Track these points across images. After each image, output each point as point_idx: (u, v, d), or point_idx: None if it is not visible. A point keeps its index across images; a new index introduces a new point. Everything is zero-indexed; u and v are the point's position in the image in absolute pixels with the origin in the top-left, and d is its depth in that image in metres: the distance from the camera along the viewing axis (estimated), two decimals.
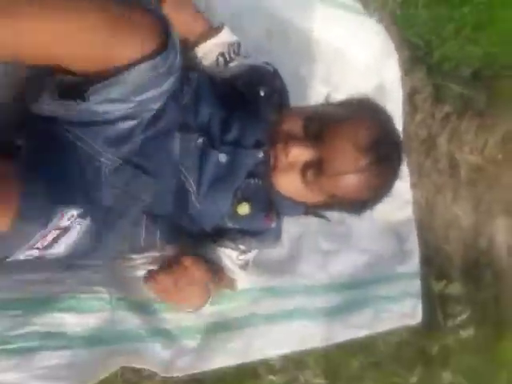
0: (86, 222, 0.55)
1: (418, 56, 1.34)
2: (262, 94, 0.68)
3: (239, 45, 0.75)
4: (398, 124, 1.12)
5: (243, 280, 0.78)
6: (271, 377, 0.86)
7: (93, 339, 0.63)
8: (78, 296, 0.62)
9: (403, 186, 1.10)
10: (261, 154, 0.68)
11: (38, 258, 0.55)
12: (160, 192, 0.64)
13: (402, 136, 1.08)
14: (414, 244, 1.09)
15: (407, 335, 1.14)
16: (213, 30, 0.74)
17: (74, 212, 0.53)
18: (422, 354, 1.17)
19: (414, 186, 1.23)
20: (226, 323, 0.79)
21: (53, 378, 0.58)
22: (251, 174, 0.68)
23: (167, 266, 0.64)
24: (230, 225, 0.72)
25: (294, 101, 0.79)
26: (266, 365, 0.86)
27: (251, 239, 0.74)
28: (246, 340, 0.79)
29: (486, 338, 1.35)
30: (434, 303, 1.15)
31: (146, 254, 0.71)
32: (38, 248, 0.53)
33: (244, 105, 0.68)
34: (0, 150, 0.54)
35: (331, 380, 1.01)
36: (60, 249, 0.54)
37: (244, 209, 0.69)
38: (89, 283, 0.64)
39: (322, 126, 0.66)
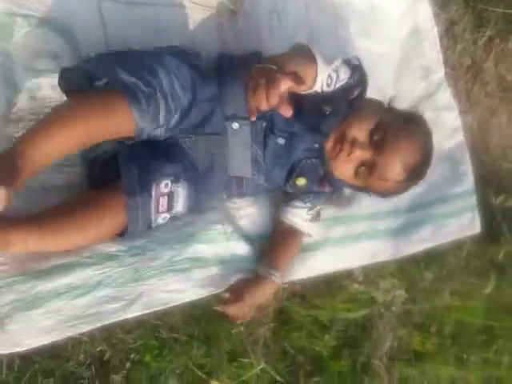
0: (183, 184, 0.93)
1: None
2: (327, 112, 0.98)
3: (334, 71, 0.94)
4: (438, 59, 1.43)
5: (316, 229, 1.15)
6: (356, 285, 1.24)
7: (222, 260, 1.05)
8: (207, 232, 1.05)
9: (451, 115, 1.40)
10: (317, 145, 1.02)
11: (171, 218, 0.94)
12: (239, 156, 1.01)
13: (444, 71, 1.41)
14: (467, 166, 1.39)
15: (475, 248, 1.46)
16: (312, 80, 0.88)
17: (167, 181, 0.90)
18: (492, 264, 1.49)
19: (464, 113, 1.53)
20: (304, 247, 1.15)
21: (203, 286, 1.01)
22: (309, 156, 1.02)
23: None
24: (290, 190, 1.08)
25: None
26: (351, 277, 1.26)
27: (313, 199, 1.10)
28: (322, 258, 1.16)
29: None
30: (496, 217, 1.47)
31: (243, 199, 1.12)
32: (164, 211, 0.91)
33: (308, 115, 0.98)
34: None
35: (409, 291, 1.39)
36: (179, 207, 0.94)
37: (301, 181, 1.05)
38: (209, 222, 1.06)
39: (385, 137, 0.97)
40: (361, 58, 1.04)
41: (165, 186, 0.90)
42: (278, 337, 1.20)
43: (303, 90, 0.87)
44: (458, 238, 1.32)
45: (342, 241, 1.18)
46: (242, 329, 1.14)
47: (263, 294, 1.07)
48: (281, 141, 1.01)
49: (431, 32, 1.39)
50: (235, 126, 0.97)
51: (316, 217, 1.14)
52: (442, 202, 1.34)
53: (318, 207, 1.13)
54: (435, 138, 1.23)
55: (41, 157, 0.78)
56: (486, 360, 1.56)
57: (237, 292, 1.03)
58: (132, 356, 0.99)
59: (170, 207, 0.93)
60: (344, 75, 0.99)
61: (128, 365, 0.98)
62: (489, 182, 1.48)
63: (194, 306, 1.05)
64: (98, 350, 0.94)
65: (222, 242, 1.05)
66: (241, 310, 1.05)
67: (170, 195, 0.91)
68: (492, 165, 1.52)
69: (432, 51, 1.39)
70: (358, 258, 1.21)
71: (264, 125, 0.99)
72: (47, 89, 0.93)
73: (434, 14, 1.46)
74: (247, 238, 1.09)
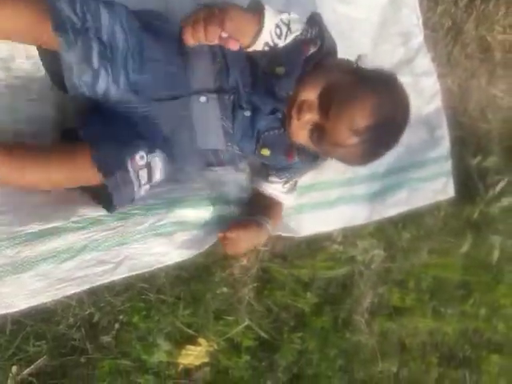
0: (158, 153, 0.91)
1: None
2: (280, 73, 0.95)
3: (282, 21, 0.92)
4: (417, 24, 1.42)
5: (293, 199, 1.17)
6: (335, 246, 1.29)
7: (205, 223, 1.08)
8: (191, 198, 1.07)
9: (430, 81, 1.41)
10: (278, 116, 0.99)
11: (151, 187, 0.94)
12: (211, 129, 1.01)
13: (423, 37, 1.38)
14: (444, 130, 1.40)
15: (452, 208, 1.50)
16: (256, 27, 0.88)
17: (142, 153, 0.88)
18: (469, 223, 1.53)
19: (443, 75, 1.53)
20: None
21: (186, 248, 1.05)
22: (272, 127, 1.01)
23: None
24: (260, 160, 1.09)
25: None
26: (330, 239, 1.30)
27: (285, 173, 1.10)
28: (297, 222, 1.20)
29: None
30: (472, 177, 1.50)
31: (223, 167, 1.14)
32: (145, 183, 0.90)
33: (265, 80, 0.96)
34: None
35: (388, 250, 1.43)
36: (157, 176, 0.92)
37: (265, 152, 1.04)
38: (192, 189, 1.09)
39: (332, 99, 0.90)
40: (324, 16, 1.00)
41: (140, 158, 0.89)
42: (262, 296, 1.25)
43: (248, 38, 0.88)
44: (431, 202, 1.36)
45: (318, 206, 1.22)
46: (225, 289, 1.19)
47: (257, 239, 1.10)
48: (247, 113, 1.00)
49: None
50: (202, 99, 0.96)
51: (293, 187, 1.15)
52: (417, 166, 1.36)
53: (292, 181, 1.14)
54: (414, 104, 1.24)
55: None
56: (464, 312, 1.63)
57: (237, 226, 1.05)
58: (120, 317, 1.03)
59: (149, 178, 0.92)
60: (297, 27, 0.95)
61: (117, 326, 1.02)
62: (467, 143, 1.51)
63: (179, 267, 1.09)
64: (86, 312, 0.98)
65: (205, 207, 1.09)
66: (236, 243, 1.06)
67: (147, 166, 0.90)
68: (470, 126, 1.54)
69: (411, 16, 1.38)
70: (335, 221, 1.24)
71: (232, 97, 0.98)
72: (21, 59, 0.92)
73: None
74: (230, 202, 1.12)
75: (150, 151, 0.90)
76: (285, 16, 0.94)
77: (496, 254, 1.54)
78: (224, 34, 0.82)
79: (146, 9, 0.96)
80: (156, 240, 1.01)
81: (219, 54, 0.95)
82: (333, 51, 1.02)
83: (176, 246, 1.04)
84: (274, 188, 1.13)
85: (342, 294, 1.39)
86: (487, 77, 1.63)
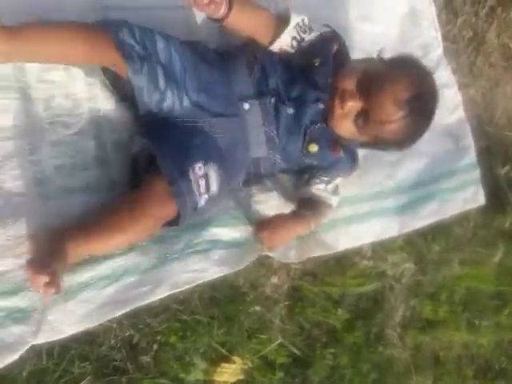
0: (212, 165, 0.97)
1: None
2: (316, 64, 1.04)
3: (304, 21, 1.05)
4: (436, 37, 1.43)
5: (337, 202, 1.19)
6: (365, 261, 1.30)
7: (236, 243, 1.11)
8: (224, 217, 1.10)
9: (451, 92, 1.41)
10: (321, 106, 1.05)
11: (210, 198, 0.96)
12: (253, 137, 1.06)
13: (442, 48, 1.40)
14: (469, 140, 1.41)
15: (481, 218, 1.49)
16: (282, 24, 1.03)
17: (199, 164, 0.95)
18: (500, 232, 1.52)
19: (466, 86, 1.53)
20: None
21: (223, 265, 1.07)
22: (316, 121, 1.06)
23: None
24: (307, 161, 1.12)
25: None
26: (360, 254, 1.31)
27: (330, 170, 1.14)
28: (332, 238, 1.22)
29: None
30: (502, 186, 1.48)
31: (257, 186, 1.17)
32: (204, 193, 0.95)
33: (303, 73, 1.05)
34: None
35: (419, 263, 1.43)
36: (214, 187, 0.96)
37: (313, 148, 1.09)
38: (226, 208, 1.11)
39: (370, 83, 0.99)
40: (347, 35, 1.12)
41: (199, 168, 0.94)
42: (293, 313, 1.27)
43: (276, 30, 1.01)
44: (462, 211, 1.36)
45: (351, 220, 1.24)
46: (258, 308, 1.21)
47: (296, 230, 1.11)
48: (290, 110, 1.05)
49: (429, 10, 1.40)
50: (246, 106, 1.03)
51: (336, 190, 1.17)
52: (445, 177, 1.37)
53: (336, 181, 1.16)
54: (436, 115, 1.26)
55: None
56: (499, 324, 1.61)
57: (274, 221, 1.09)
58: (158, 338, 1.06)
59: (207, 188, 0.96)
60: (317, 27, 1.07)
61: (155, 346, 1.06)
62: (495, 153, 1.50)
63: (212, 288, 1.13)
64: (126, 334, 1.02)
65: (237, 226, 1.11)
66: (273, 237, 1.08)
67: (205, 177, 0.95)
68: (498, 135, 1.53)
69: (430, 29, 1.40)
70: (367, 235, 1.26)
71: (273, 100, 1.04)
72: (60, 98, 0.98)
73: None
74: None
75: (206, 163, 0.95)
76: (304, 17, 1.06)
77: None
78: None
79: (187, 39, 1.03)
80: (193, 258, 1.04)
81: (256, 65, 1.04)
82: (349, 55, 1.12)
83: (213, 263, 1.07)
84: (318, 188, 1.15)
85: (373, 309, 1.39)
86: None
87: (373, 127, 1.02)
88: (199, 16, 1.14)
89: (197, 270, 1.04)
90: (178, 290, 1.02)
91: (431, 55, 1.40)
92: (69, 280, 0.90)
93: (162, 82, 0.94)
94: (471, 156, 1.40)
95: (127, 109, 0.99)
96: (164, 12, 1.10)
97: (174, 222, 0.94)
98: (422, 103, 1.02)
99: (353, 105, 1.01)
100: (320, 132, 1.08)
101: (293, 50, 1.07)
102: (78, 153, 0.96)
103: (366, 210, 1.27)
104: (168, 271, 1.01)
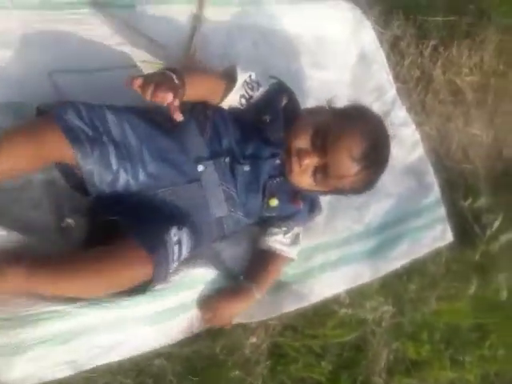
0: (185, 230, 0.98)
1: (392, 4, 1.68)
2: (267, 120, 1.05)
3: (251, 77, 1.06)
4: (388, 79, 1.49)
5: (297, 251, 1.17)
6: (344, 310, 1.26)
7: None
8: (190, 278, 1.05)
9: (409, 131, 1.46)
10: (278, 161, 1.06)
11: (178, 264, 0.98)
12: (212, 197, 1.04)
13: (395, 89, 1.46)
14: (431, 177, 1.44)
15: (453, 253, 1.50)
16: (230, 83, 1.04)
17: (174, 230, 0.95)
18: (472, 265, 1.53)
19: (421, 123, 1.59)
20: (289, 278, 1.20)
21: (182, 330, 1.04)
22: (274, 175, 1.07)
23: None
24: (267, 214, 1.12)
25: (295, 91, 1.15)
26: (338, 302, 1.28)
27: (288, 221, 1.14)
28: (308, 288, 1.20)
29: None
30: (467, 219, 1.52)
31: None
32: (175, 260, 0.95)
33: (255, 130, 1.05)
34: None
35: (396, 305, 1.41)
36: (184, 252, 0.98)
37: (273, 202, 1.09)
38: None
39: (325, 140, 1.01)
40: (302, 84, 1.16)
41: (173, 234, 0.94)
42: (276, 372, 1.21)
43: (220, 94, 1.03)
44: (431, 249, 1.37)
45: (323, 269, 1.22)
46: (238, 372, 1.15)
47: (241, 305, 1.09)
48: (246, 168, 1.05)
49: (378, 53, 1.46)
50: (200, 168, 1.01)
51: (295, 240, 1.16)
52: (412, 216, 1.39)
53: (296, 230, 1.16)
54: (397, 154, 1.28)
55: None
56: (482, 357, 1.59)
57: (217, 301, 1.06)
58: None
59: (179, 255, 0.97)
60: (264, 82, 1.09)
61: None
62: (456, 186, 1.54)
63: (187, 361, 1.07)
64: None
65: (207, 284, 1.08)
66: (220, 316, 1.07)
67: (179, 243, 0.96)
68: (456, 168, 1.58)
69: (381, 71, 1.46)
70: (340, 283, 1.24)
71: (227, 160, 1.03)
72: None
73: (378, 34, 1.53)
74: (231, 276, 1.12)
75: (180, 227, 0.95)
76: (253, 74, 1.08)
77: (504, 292, 1.54)
78: (176, 102, 0.88)
79: (134, 105, 1.01)
80: (152, 326, 1.00)
81: (208, 123, 1.03)
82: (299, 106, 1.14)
83: (173, 330, 1.03)
84: (275, 240, 1.14)
85: (356, 357, 1.35)
86: (463, 118, 1.70)
87: (332, 181, 1.05)
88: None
89: (152, 337, 1.00)
90: (129, 356, 0.96)
91: (385, 97, 1.45)
92: (22, 333, 0.84)
93: (114, 163, 0.91)
94: (435, 192, 1.43)
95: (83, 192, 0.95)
96: (113, 73, 1.08)
97: (139, 290, 0.92)
98: (377, 153, 1.05)
99: (310, 163, 1.03)
100: (279, 186, 1.09)
101: (242, 108, 1.08)
102: None
103: (336, 256, 1.26)
104: (124, 336, 0.96)
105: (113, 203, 0.93)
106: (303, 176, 1.04)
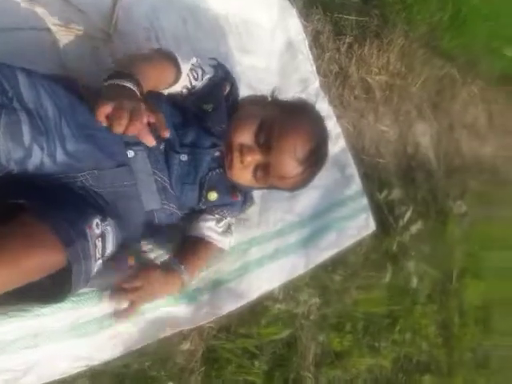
0: (109, 221, 0.83)
1: None
2: (209, 110, 0.97)
3: (194, 65, 0.97)
4: (312, 71, 1.49)
5: (230, 243, 1.11)
6: (278, 305, 1.22)
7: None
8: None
9: (331, 123, 1.46)
10: (217, 153, 0.98)
11: (102, 263, 0.82)
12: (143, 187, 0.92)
13: (318, 81, 1.47)
14: (352, 168, 1.47)
15: (371, 244, 1.56)
16: (175, 75, 0.93)
17: (97, 220, 0.80)
18: (387, 255, 1.62)
19: (339, 117, 1.62)
20: (227, 276, 1.12)
21: (113, 346, 0.91)
22: (213, 167, 0.98)
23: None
24: (203, 207, 1.03)
25: None
26: (271, 298, 1.23)
27: (223, 209, 1.06)
28: (246, 284, 1.14)
29: (433, 226, 1.86)
30: (383, 211, 1.59)
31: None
32: (99, 257, 0.80)
33: (197, 119, 0.96)
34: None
35: (323, 296, 1.42)
36: (110, 247, 0.83)
37: (212, 195, 1.01)
38: None
39: (270, 138, 0.95)
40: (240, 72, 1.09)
41: (96, 226, 0.80)
42: (211, 378, 1.12)
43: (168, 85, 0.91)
44: (358, 239, 1.39)
45: (261, 262, 1.17)
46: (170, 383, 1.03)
47: (166, 286, 0.97)
48: (183, 157, 0.95)
49: (303, 44, 1.44)
50: (130, 154, 0.89)
51: (227, 229, 1.10)
52: (337, 206, 1.40)
53: (228, 219, 1.09)
54: None
55: None
56: (394, 341, 1.69)
57: (143, 273, 0.94)
58: None
59: (103, 250, 0.82)
60: (209, 69, 1.00)
61: None
62: (372, 179, 1.60)
63: (117, 377, 0.92)
64: None
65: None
66: (144, 291, 0.93)
67: (102, 236, 0.81)
68: (370, 162, 1.64)
69: (306, 63, 1.44)
70: (279, 276, 1.20)
71: (162, 147, 0.92)
72: None
73: (301, 26, 1.52)
74: None
75: (104, 219, 0.82)
76: (195, 61, 0.98)
77: (415, 280, 1.64)
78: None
79: (54, 73, 0.84)
80: (75, 341, 0.86)
81: None
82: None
83: (100, 348, 0.89)
84: (208, 227, 1.06)
85: (288, 354, 1.32)
86: (373, 115, 1.78)
87: (272, 180, 1.00)
88: (67, 39, 0.97)
89: (76, 355, 0.86)
90: (47, 380, 0.81)
91: (310, 88, 1.43)
92: None
93: (26, 135, 0.73)
94: (357, 183, 1.46)
95: None
96: (24, 34, 0.90)
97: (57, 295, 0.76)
98: (319, 155, 1.03)
99: (252, 160, 0.97)
100: (218, 178, 1.02)
101: (182, 96, 0.99)
102: None
103: (273, 248, 1.21)
104: (41, 355, 0.81)
105: (22, 185, 0.75)
106: (244, 172, 0.98)
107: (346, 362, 1.51)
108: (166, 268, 0.98)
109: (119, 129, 0.70)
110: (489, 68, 2.72)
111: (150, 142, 0.75)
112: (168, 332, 0.97)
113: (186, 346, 1.06)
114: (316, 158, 1.00)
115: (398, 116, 1.89)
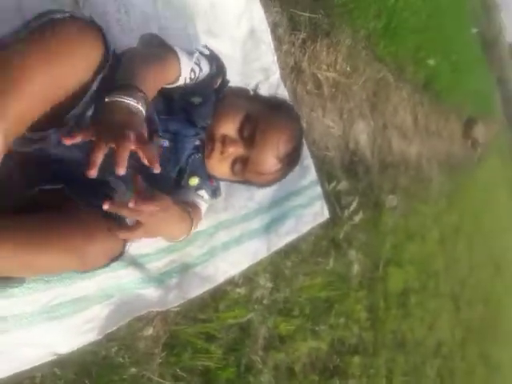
0: None
1: None
2: (196, 103, 0.94)
3: (194, 65, 0.93)
4: (273, 61, 1.51)
5: (204, 210, 1.08)
6: (238, 290, 1.23)
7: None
8: None
9: None
10: (197, 142, 0.97)
11: None
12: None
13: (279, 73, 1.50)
14: (308, 159, 1.53)
15: (319, 232, 1.64)
16: (175, 77, 0.89)
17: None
18: (333, 243, 1.70)
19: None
20: (194, 260, 1.13)
21: (87, 331, 0.88)
22: (193, 153, 0.97)
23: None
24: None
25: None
26: (230, 283, 1.24)
27: (201, 189, 1.04)
28: (213, 268, 1.15)
29: (371, 217, 1.99)
30: (331, 201, 1.67)
31: None
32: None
33: (183, 110, 0.94)
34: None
35: (275, 282, 1.46)
36: None
37: (194, 181, 1.01)
38: None
39: (254, 133, 0.95)
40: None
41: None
42: (170, 363, 1.10)
43: (169, 83, 0.87)
44: (313, 225, 1.45)
45: (228, 246, 1.18)
46: (134, 369, 1.00)
47: (177, 225, 0.91)
48: (165, 143, 0.93)
49: (265, 34, 1.45)
50: None
51: (205, 200, 1.08)
52: (294, 194, 1.45)
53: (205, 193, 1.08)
54: None
55: None
56: (330, 326, 1.78)
57: (163, 200, 0.82)
58: None
59: None
60: (206, 67, 0.98)
61: None
62: (322, 171, 1.66)
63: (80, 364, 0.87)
64: None
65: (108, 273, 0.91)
66: (153, 217, 0.80)
67: None
68: (320, 155, 1.71)
69: (268, 53, 1.46)
70: (244, 260, 1.22)
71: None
72: None
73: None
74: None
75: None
76: (195, 56, 0.95)
77: (356, 267, 1.74)
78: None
79: None
80: (46, 325, 0.81)
81: None
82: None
83: (72, 332, 0.85)
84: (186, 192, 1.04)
85: (241, 337, 1.34)
86: (322, 110, 1.85)
87: (249, 175, 1.01)
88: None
89: (47, 343, 0.82)
90: (13, 372, 0.76)
91: (272, 78, 1.46)
92: None
93: None
94: (312, 173, 1.52)
95: None
96: None
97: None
98: (297, 154, 1.06)
99: (234, 151, 0.96)
100: (199, 163, 1.01)
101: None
102: None
103: (239, 232, 1.24)
104: (6, 343, 0.76)
105: (56, 170, 0.77)
106: (222, 164, 0.98)
107: (290, 345, 1.58)
108: (183, 209, 0.92)
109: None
110: (415, 75, 2.97)
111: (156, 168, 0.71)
112: (139, 313, 0.94)
113: (149, 331, 1.04)
114: (293, 157, 1.03)
115: (342, 113, 1.98)
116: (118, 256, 0.84)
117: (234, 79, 1.34)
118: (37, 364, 0.79)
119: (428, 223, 2.79)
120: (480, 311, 4.02)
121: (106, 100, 0.72)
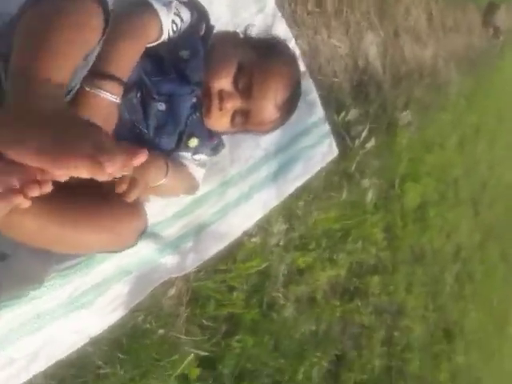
0: None
1: None
2: (184, 57, 0.89)
3: (174, 16, 0.88)
4: None
5: (202, 175, 1.09)
6: (253, 239, 1.27)
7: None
8: None
9: (290, 45, 1.37)
10: (194, 99, 0.93)
11: None
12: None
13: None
14: (313, 94, 1.46)
15: (330, 167, 1.63)
16: (155, 38, 0.85)
17: None
18: (345, 175, 1.70)
19: (297, 37, 1.56)
20: (207, 220, 1.15)
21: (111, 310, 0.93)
22: (191, 113, 0.94)
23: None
24: (182, 152, 1.01)
25: None
26: (245, 234, 1.27)
27: (201, 150, 1.04)
28: (227, 224, 1.18)
29: (384, 142, 1.95)
30: (341, 134, 1.63)
31: None
32: None
33: (173, 66, 0.89)
34: None
35: (290, 222, 1.49)
36: None
37: (193, 142, 0.99)
38: None
39: (250, 82, 0.93)
40: None
41: None
42: (196, 318, 1.18)
43: (152, 42, 0.84)
44: (322, 165, 1.44)
45: (239, 201, 1.20)
46: (161, 331, 1.07)
47: (157, 170, 0.93)
48: (161, 106, 0.91)
49: None
50: None
51: (202, 164, 1.09)
52: (301, 135, 1.41)
53: (203, 156, 1.08)
54: None
55: None
56: (349, 252, 1.84)
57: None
58: None
59: None
60: (186, 16, 0.93)
61: None
62: (329, 100, 1.60)
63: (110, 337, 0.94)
64: None
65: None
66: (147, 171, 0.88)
67: None
68: (327, 82, 1.63)
69: None
70: (256, 211, 1.24)
71: (139, 95, 0.87)
72: None
73: None
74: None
75: None
76: (173, 6, 0.89)
77: (370, 195, 1.75)
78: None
79: None
80: (75, 315, 0.87)
81: None
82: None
83: (100, 314, 0.91)
84: (185, 157, 1.05)
85: (262, 280, 1.41)
86: (326, 30, 1.72)
87: (250, 125, 1.00)
88: None
89: (81, 329, 0.88)
90: (58, 358, 0.83)
91: (267, 8, 1.34)
92: None
93: None
94: (319, 109, 1.45)
95: None
96: None
97: None
98: (296, 99, 1.05)
99: (232, 105, 0.95)
100: (197, 123, 0.98)
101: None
102: None
103: (247, 188, 1.24)
104: (46, 336, 0.81)
105: None
106: (222, 119, 0.96)
107: (309, 277, 1.65)
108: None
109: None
110: None
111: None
112: (159, 282, 0.99)
113: (171, 291, 1.10)
114: (293, 103, 1.02)
115: (348, 29, 1.85)
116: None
117: (224, 11, 1.27)
118: (74, 349, 0.86)
119: (446, 130, 2.71)
120: (500, 210, 4.06)
121: (84, 89, 0.71)
